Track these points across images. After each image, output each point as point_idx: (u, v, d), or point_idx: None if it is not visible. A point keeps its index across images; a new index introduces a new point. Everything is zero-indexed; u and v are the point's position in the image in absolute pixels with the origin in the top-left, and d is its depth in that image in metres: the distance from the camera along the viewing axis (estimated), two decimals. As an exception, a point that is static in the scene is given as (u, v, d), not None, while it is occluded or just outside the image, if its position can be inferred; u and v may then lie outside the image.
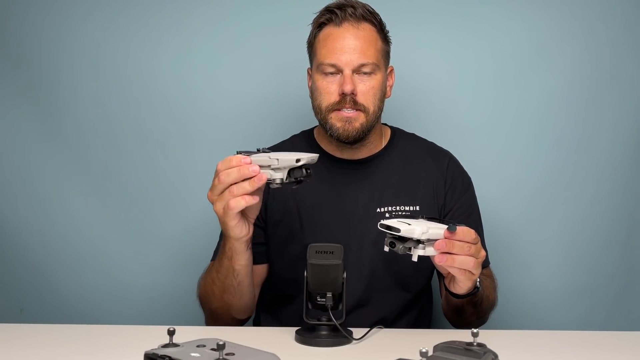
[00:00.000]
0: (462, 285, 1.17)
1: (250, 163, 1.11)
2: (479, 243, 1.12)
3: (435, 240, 1.08)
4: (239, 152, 1.14)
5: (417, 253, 1.08)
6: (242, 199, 1.11)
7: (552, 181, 1.82)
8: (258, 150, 1.15)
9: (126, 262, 1.85)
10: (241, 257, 1.24)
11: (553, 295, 1.81)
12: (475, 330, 0.92)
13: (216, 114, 1.84)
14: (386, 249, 1.10)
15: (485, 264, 1.41)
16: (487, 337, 1.00)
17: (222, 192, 1.13)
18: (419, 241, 1.07)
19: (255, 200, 1.12)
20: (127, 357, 1.04)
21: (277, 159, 1.11)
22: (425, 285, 1.46)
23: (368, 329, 1.19)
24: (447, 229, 1.07)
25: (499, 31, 1.82)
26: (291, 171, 1.12)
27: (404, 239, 1.08)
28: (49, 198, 1.85)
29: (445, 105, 1.83)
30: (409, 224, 1.07)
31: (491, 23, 1.82)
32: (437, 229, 1.08)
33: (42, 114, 1.85)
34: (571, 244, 1.82)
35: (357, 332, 1.16)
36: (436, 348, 0.95)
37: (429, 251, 1.08)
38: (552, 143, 1.82)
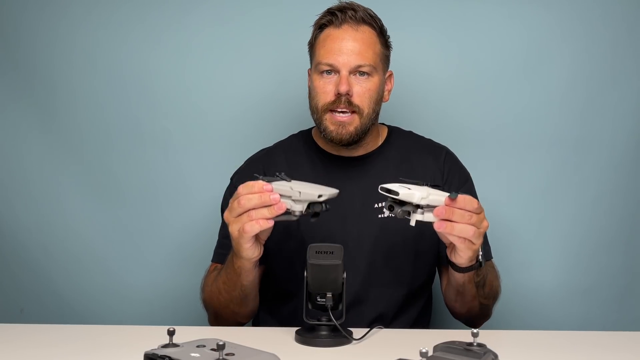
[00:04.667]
0: (461, 255, 1.16)
1: (272, 191, 1.12)
2: (482, 213, 1.12)
3: (435, 207, 1.08)
4: (258, 177, 1.14)
5: (415, 218, 1.08)
6: (257, 223, 1.12)
7: (552, 181, 1.82)
8: (277, 175, 1.16)
9: (126, 262, 1.85)
10: (250, 274, 1.26)
11: (553, 296, 1.81)
12: (475, 331, 0.92)
13: (215, 114, 1.84)
14: (386, 213, 1.10)
15: (488, 257, 1.42)
16: (487, 337, 1.00)
17: (240, 215, 1.14)
18: (418, 206, 1.07)
19: (270, 224, 1.13)
20: (127, 357, 1.04)
21: (299, 192, 1.12)
22: (425, 284, 1.46)
23: (368, 329, 1.19)
24: (449, 196, 1.08)
25: (498, 31, 1.82)
26: (311, 204, 1.13)
27: (403, 203, 1.08)
28: (48, 198, 1.85)
29: (445, 106, 1.82)
30: (409, 189, 1.07)
31: (491, 23, 1.82)
32: (437, 196, 1.09)
33: (40, 114, 1.85)
34: (571, 244, 1.82)
35: (357, 332, 1.16)
36: (436, 348, 0.95)
37: (427, 217, 1.08)
38: (552, 143, 1.81)
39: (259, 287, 1.43)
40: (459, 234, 1.10)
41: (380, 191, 1.10)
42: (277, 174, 1.16)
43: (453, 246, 1.17)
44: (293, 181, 1.14)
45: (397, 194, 1.07)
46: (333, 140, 1.38)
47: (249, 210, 1.12)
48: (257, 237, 1.18)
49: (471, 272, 1.24)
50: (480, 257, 1.21)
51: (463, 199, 1.09)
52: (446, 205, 1.08)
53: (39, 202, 1.85)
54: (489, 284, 1.33)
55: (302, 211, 1.13)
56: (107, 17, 1.84)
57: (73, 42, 1.84)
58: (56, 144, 1.85)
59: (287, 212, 1.12)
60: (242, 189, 1.13)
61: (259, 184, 1.12)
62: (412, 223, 1.09)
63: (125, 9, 1.84)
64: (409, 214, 1.09)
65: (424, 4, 1.83)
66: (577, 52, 1.81)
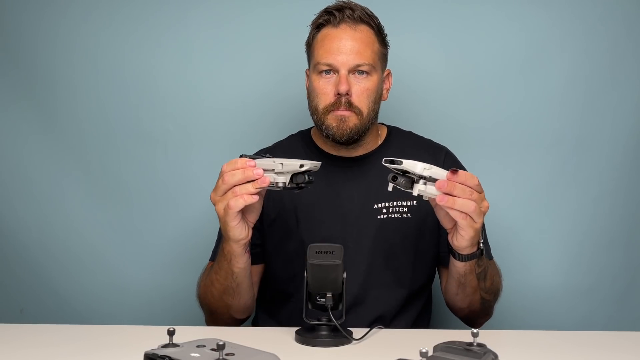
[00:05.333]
0: (463, 234, 1.16)
1: (255, 166, 1.14)
2: (483, 193, 1.14)
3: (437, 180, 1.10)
4: (243, 156, 1.17)
5: (417, 188, 1.10)
6: (242, 198, 1.14)
7: (553, 181, 1.82)
8: (262, 156, 1.18)
9: (125, 262, 1.85)
10: (240, 259, 1.25)
11: (553, 296, 1.81)
12: (475, 331, 0.92)
13: (215, 114, 1.84)
14: (390, 187, 1.13)
15: (489, 258, 1.41)
16: (487, 337, 1.00)
17: (225, 192, 1.15)
18: (421, 177, 1.09)
19: (254, 199, 1.14)
20: (127, 357, 1.04)
21: (282, 164, 1.14)
22: (425, 285, 1.46)
23: (368, 329, 1.19)
24: (450, 170, 1.10)
25: (498, 31, 1.82)
26: (294, 176, 1.15)
27: (406, 175, 1.10)
28: (48, 198, 1.85)
29: (444, 106, 1.83)
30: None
31: (491, 23, 1.82)
32: (440, 171, 1.10)
33: (40, 114, 1.85)
34: (571, 244, 1.82)
35: (357, 332, 1.16)
36: (436, 348, 0.95)
37: (429, 189, 1.10)
38: (552, 143, 1.82)
39: (257, 287, 1.44)
40: (460, 208, 1.10)
41: (383, 163, 1.12)
42: (262, 154, 1.18)
43: (454, 229, 1.17)
44: (276, 158, 1.17)
45: (400, 162, 1.09)
46: (335, 136, 1.37)
47: (234, 186, 1.14)
48: (244, 217, 1.20)
49: (472, 261, 1.23)
50: (481, 244, 1.21)
51: (464, 174, 1.10)
52: (448, 179, 1.09)
53: (39, 201, 1.86)
54: (490, 277, 1.32)
55: (285, 183, 1.15)
56: (108, 17, 1.84)
57: (74, 42, 1.85)
58: (57, 144, 1.85)
59: (271, 185, 1.15)
60: (225, 166, 1.16)
61: (242, 160, 1.15)
62: (415, 193, 1.10)
63: (125, 9, 1.84)
64: (411, 185, 1.10)
65: (424, 4, 1.83)
66: (577, 52, 1.81)
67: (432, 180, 1.10)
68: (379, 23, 1.41)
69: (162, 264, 1.85)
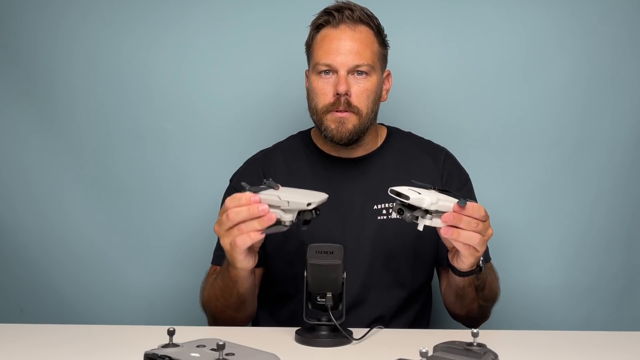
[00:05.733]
0: (464, 261, 1.17)
1: (260, 202, 1.09)
2: (488, 221, 1.14)
3: (444, 212, 1.09)
4: (245, 188, 1.12)
5: (423, 223, 1.09)
6: (248, 237, 1.10)
7: (552, 181, 1.82)
8: (265, 182, 1.13)
9: (126, 262, 1.85)
10: (246, 282, 1.25)
11: (553, 296, 1.82)
12: (475, 331, 0.93)
13: (215, 114, 1.84)
14: (394, 215, 1.10)
15: (487, 259, 1.42)
16: (487, 337, 1.00)
17: (230, 228, 1.12)
18: (427, 211, 1.08)
19: (261, 237, 1.12)
20: (127, 357, 1.04)
21: (288, 202, 1.09)
22: (424, 284, 1.46)
23: (368, 329, 1.19)
24: (457, 203, 1.09)
25: (498, 32, 1.82)
26: (301, 213, 1.11)
27: (412, 207, 1.09)
28: (48, 198, 1.85)
29: (444, 107, 1.82)
30: (419, 193, 1.08)
31: (490, 23, 1.82)
32: (446, 202, 1.09)
33: (40, 114, 1.85)
34: (571, 244, 1.82)
35: (357, 332, 1.16)
36: (436, 348, 0.95)
37: (435, 222, 1.09)
38: (551, 143, 1.82)
39: (258, 289, 1.44)
40: (465, 240, 1.11)
41: (389, 194, 1.10)
42: (265, 180, 1.14)
43: (456, 251, 1.18)
44: (281, 188, 1.12)
45: (407, 197, 1.07)
46: (334, 139, 1.37)
47: (239, 223, 1.10)
48: (250, 246, 1.16)
49: (472, 275, 1.24)
50: (481, 262, 1.22)
51: (471, 206, 1.10)
52: (454, 211, 1.09)
53: (39, 201, 1.85)
54: (489, 286, 1.33)
55: (292, 220, 1.10)
56: (107, 17, 1.84)
57: (73, 42, 1.84)
58: (56, 144, 1.85)
59: (277, 222, 1.10)
60: (229, 202, 1.11)
61: (247, 196, 1.10)
62: (420, 228, 1.10)
63: (125, 9, 1.84)
64: (417, 218, 1.09)
65: (424, 4, 1.83)
66: (577, 53, 1.81)
67: (439, 212, 1.09)
68: (379, 24, 1.41)
69: (162, 264, 1.85)
